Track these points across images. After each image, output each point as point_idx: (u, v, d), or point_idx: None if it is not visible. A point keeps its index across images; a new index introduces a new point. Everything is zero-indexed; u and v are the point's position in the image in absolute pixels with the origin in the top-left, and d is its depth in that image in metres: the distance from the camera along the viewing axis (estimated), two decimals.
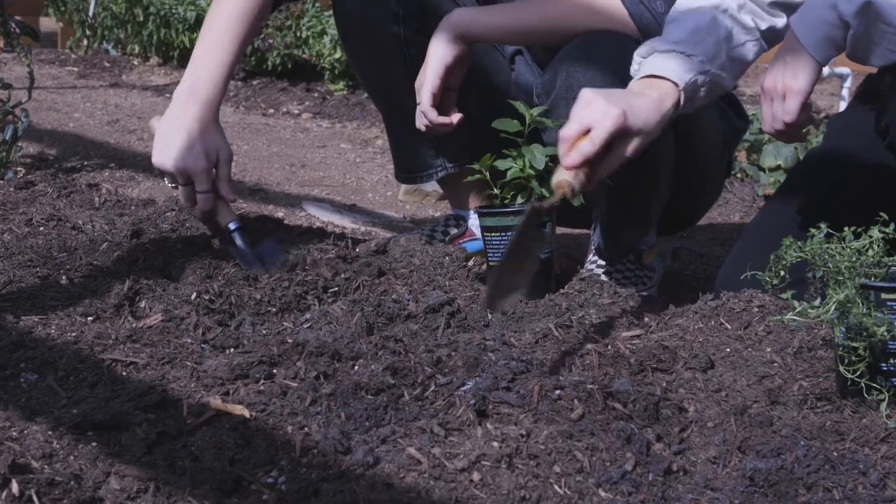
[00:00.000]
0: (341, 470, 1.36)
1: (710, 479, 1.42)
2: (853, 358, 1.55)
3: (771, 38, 2.08)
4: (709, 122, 2.40)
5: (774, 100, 1.97)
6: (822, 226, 1.63)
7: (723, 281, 2.15)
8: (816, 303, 1.56)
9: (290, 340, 1.73)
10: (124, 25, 6.66)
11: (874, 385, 1.57)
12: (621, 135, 1.85)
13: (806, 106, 1.96)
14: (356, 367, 1.66)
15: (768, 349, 1.75)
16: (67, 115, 4.88)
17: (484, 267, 2.22)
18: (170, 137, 2.20)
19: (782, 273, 1.64)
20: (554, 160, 2.15)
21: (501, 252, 2.13)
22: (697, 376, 1.70)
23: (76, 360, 1.67)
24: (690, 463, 1.46)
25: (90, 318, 1.91)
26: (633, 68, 2.02)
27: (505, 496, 1.32)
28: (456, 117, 2.32)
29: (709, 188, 2.58)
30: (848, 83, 5.22)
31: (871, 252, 1.59)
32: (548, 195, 2.15)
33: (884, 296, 1.54)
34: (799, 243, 1.62)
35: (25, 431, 1.41)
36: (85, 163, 3.80)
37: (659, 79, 1.94)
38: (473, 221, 2.65)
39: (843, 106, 5.04)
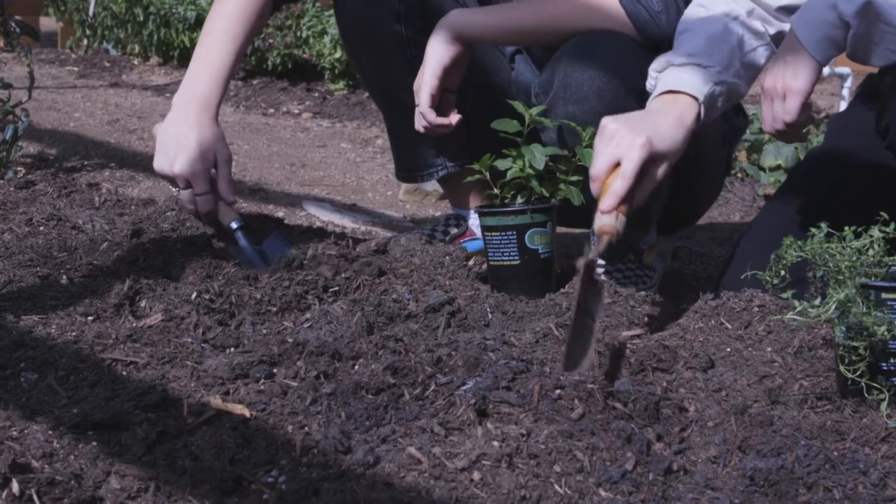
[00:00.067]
0: (341, 469, 1.36)
1: (710, 478, 1.42)
2: (853, 357, 1.55)
3: (780, 42, 2.08)
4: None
5: (775, 100, 1.97)
6: (823, 225, 1.63)
7: (725, 281, 2.15)
8: (817, 302, 1.56)
9: (290, 340, 1.73)
10: (124, 25, 6.66)
11: (874, 385, 1.57)
12: (651, 161, 1.85)
13: (806, 106, 1.96)
14: (356, 367, 1.66)
15: (769, 349, 1.75)
16: (67, 115, 4.88)
17: (484, 266, 2.22)
18: (169, 142, 2.25)
19: (783, 273, 1.64)
20: (554, 160, 2.15)
21: (501, 252, 2.13)
22: (698, 376, 1.70)
23: (76, 360, 1.67)
24: (691, 462, 1.46)
25: (90, 318, 1.91)
26: (650, 84, 2.02)
27: (505, 496, 1.32)
28: (454, 118, 2.32)
29: (709, 187, 2.57)
30: (848, 83, 5.22)
31: (871, 252, 1.59)
32: (547, 194, 2.15)
33: (884, 295, 1.54)
34: (799, 243, 1.62)
35: (26, 431, 1.41)
36: (85, 162, 3.80)
37: (677, 94, 1.94)
38: (474, 221, 2.65)
39: (843, 106, 5.04)
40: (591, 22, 2.21)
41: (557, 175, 2.14)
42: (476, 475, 1.35)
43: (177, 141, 2.24)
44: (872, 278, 1.56)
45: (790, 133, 2.01)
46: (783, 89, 1.96)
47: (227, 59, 2.30)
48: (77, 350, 1.71)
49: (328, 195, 3.72)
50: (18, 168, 3.40)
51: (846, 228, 1.62)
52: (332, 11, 5.75)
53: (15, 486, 1.26)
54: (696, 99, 1.94)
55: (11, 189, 2.85)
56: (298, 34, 6.09)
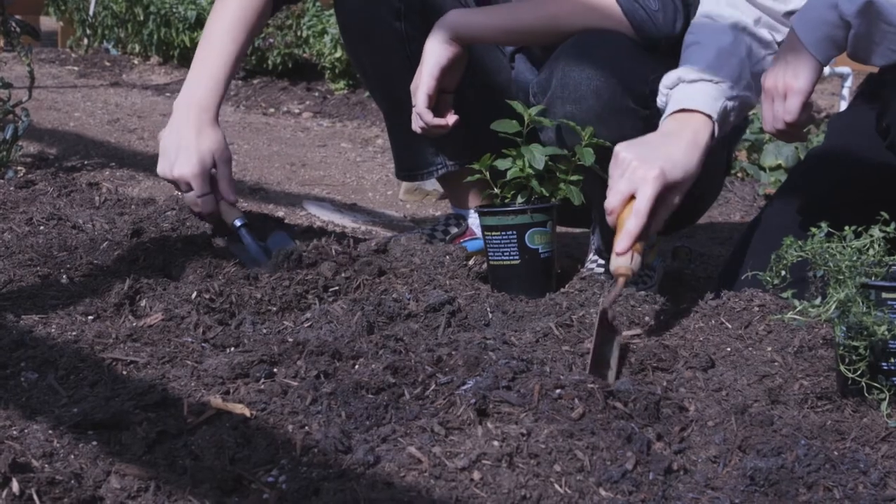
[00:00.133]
0: (342, 469, 1.36)
1: (710, 478, 1.42)
2: (854, 357, 1.55)
3: None
4: None
5: (775, 99, 1.97)
6: (823, 225, 1.63)
7: (725, 281, 2.15)
8: (817, 302, 1.56)
9: (290, 339, 1.73)
10: (125, 24, 6.66)
11: (875, 384, 1.57)
12: (665, 192, 1.84)
13: (807, 105, 1.96)
14: (357, 367, 1.66)
15: (769, 348, 1.75)
16: (68, 115, 4.88)
17: (484, 266, 2.22)
18: (170, 147, 2.28)
19: (783, 272, 1.64)
20: (553, 160, 2.15)
21: (502, 251, 2.13)
22: (698, 375, 1.70)
23: (76, 359, 1.67)
24: (691, 462, 1.46)
25: (90, 317, 1.91)
26: (660, 101, 2.02)
27: (505, 495, 1.32)
28: (452, 119, 2.32)
29: (708, 187, 2.57)
30: (849, 83, 5.22)
31: (871, 251, 1.59)
32: (547, 194, 2.15)
33: (884, 295, 1.54)
34: (799, 242, 1.62)
35: (26, 430, 1.41)
36: (85, 162, 3.80)
37: (690, 112, 1.93)
38: (474, 220, 2.65)
39: (843, 105, 5.03)
40: (589, 21, 2.21)
41: (557, 174, 2.14)
42: (476, 475, 1.35)
43: (177, 145, 2.27)
44: (873, 278, 1.56)
45: (791, 133, 2.00)
46: (784, 89, 1.96)
47: (226, 62, 2.32)
48: (77, 349, 1.71)
49: (328, 195, 3.72)
50: (19, 167, 3.40)
51: (846, 228, 1.62)
52: (332, 11, 5.76)
53: (15, 486, 1.26)
54: (709, 117, 1.93)
55: (11, 188, 2.85)
56: (299, 34, 6.09)
